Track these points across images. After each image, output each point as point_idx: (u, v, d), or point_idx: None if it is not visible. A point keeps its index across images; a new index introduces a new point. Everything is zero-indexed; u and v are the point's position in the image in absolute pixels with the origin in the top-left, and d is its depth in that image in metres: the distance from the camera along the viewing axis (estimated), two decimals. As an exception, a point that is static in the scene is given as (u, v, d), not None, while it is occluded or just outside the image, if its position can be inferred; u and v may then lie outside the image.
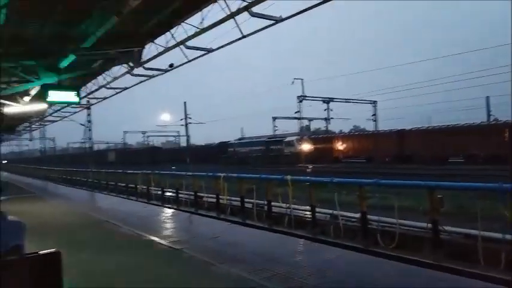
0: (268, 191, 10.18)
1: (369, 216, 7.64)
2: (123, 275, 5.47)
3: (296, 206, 9.76)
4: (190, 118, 43.54)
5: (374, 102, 44.80)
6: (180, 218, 11.14)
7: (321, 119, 46.85)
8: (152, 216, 11.30)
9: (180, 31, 8.97)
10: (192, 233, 8.96)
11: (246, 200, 11.19)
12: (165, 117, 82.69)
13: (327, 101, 43.14)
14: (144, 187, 17.57)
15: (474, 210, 6.06)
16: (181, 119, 44.09)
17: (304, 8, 6.41)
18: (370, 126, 44.58)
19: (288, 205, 9.52)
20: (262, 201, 10.75)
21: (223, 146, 52.83)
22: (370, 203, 7.83)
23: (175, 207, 13.53)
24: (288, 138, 42.78)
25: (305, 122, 48.33)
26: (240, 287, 4.81)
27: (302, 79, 42.08)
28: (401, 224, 7.40)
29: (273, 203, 10.10)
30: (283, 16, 7.08)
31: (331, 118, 44.32)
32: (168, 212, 12.35)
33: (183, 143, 76.35)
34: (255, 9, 7.07)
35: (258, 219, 10.28)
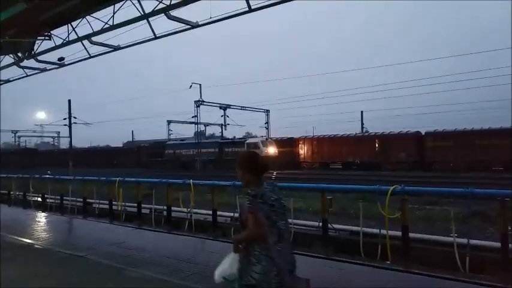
0: (168, 196, 10.02)
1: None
2: (32, 284, 5.03)
3: (197, 210, 9.81)
4: (75, 118, 39.81)
5: (267, 111, 47.17)
6: (70, 225, 10.23)
7: (217, 124, 47.43)
8: (37, 223, 10.14)
9: (86, 25, 8.37)
10: (89, 240, 8.31)
11: (143, 205, 10.84)
12: (42, 115, 73.37)
13: (224, 107, 43.90)
14: (20, 193, 15.59)
15: (356, 210, 6.96)
16: (64, 119, 40.05)
17: (223, 17, 6.60)
18: (262, 134, 46.78)
19: (189, 209, 9.51)
20: (161, 207, 10.52)
21: (158, 147, 45.54)
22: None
23: (59, 214, 12.31)
24: (250, 140, 38.65)
25: (201, 127, 48.28)
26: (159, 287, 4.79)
27: (200, 84, 41.99)
28: (296, 224, 8.05)
29: (173, 208, 9.97)
30: (200, 22, 7.18)
31: (228, 124, 45.20)
32: (53, 218, 11.20)
33: (63, 144, 69.44)
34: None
35: (156, 225, 10.03)
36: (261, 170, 2.54)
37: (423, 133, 31.79)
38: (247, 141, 38.12)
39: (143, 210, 10.81)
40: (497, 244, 5.64)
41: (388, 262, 6.10)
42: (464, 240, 5.86)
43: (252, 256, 2.36)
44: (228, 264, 2.44)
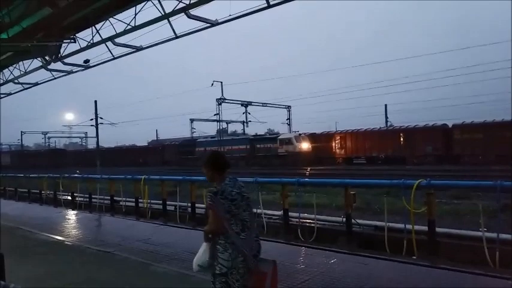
0: (192, 193, 10.15)
1: (290, 213, 8.11)
2: (63, 279, 5.22)
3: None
4: (101, 118, 40.90)
5: (288, 107, 46.99)
6: (98, 223, 10.55)
7: (239, 122, 47.65)
8: (67, 221, 10.51)
9: (109, 27, 8.59)
10: (116, 236, 8.56)
11: (169, 202, 11.03)
12: (70, 116, 75.75)
13: (245, 104, 44.03)
14: (51, 192, 16.16)
15: (380, 205, 6.86)
16: (91, 119, 41.21)
17: (242, 14, 6.62)
18: (284, 130, 46.64)
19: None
20: (185, 204, 10.68)
21: (188, 145, 45.01)
22: (292, 201, 8.30)
23: (88, 212, 12.71)
24: (284, 136, 37.18)
25: (223, 125, 48.65)
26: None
27: (221, 82, 42.27)
28: (319, 220, 8.01)
29: (197, 205, 10.10)
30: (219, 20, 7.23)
31: (250, 121, 45.33)
32: (82, 216, 11.57)
33: (91, 144, 71.38)
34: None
35: (181, 221, 10.18)
36: (223, 168, 2.82)
37: (450, 125, 30.90)
38: (280, 137, 36.68)
39: (168, 208, 10.99)
40: (530, 239, 5.43)
41: (414, 257, 5.98)
42: (493, 235, 5.68)
43: (218, 245, 2.68)
44: (202, 253, 2.75)
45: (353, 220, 7.28)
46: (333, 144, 35.84)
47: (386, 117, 47.96)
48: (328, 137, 36.99)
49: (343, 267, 5.20)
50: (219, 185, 2.73)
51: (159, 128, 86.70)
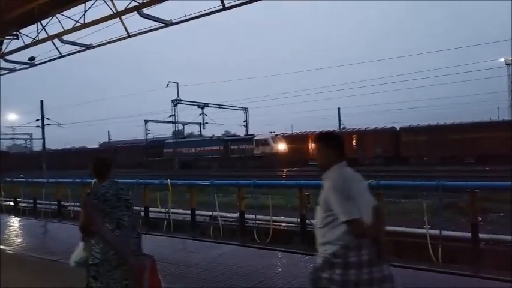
0: (145, 196, 9.89)
1: (246, 215, 8.13)
2: None
3: (175, 210, 9.74)
4: (48, 119, 38.72)
5: (245, 109, 47.17)
6: (44, 230, 9.97)
7: (195, 123, 47.11)
8: (8, 228, 9.82)
9: (56, 24, 8.15)
10: (63, 244, 8.10)
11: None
12: (12, 117, 70.79)
13: (202, 106, 43.63)
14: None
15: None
16: (37, 120, 38.91)
17: (197, 15, 6.54)
18: (241, 132, 46.78)
19: (167, 209, 9.43)
20: (137, 208, 10.39)
21: (155, 146, 42.67)
22: (249, 203, 8.33)
23: (32, 218, 11.97)
24: (260, 136, 35.69)
25: (179, 126, 47.83)
26: None
27: (177, 83, 41.58)
28: (274, 221, 8.11)
29: (150, 209, 9.86)
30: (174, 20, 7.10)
31: (206, 123, 44.94)
32: (26, 223, 10.88)
33: (36, 146, 67.32)
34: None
35: (134, 226, 9.89)
36: (102, 172, 3.19)
37: (398, 128, 32.51)
38: (256, 138, 35.40)
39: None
40: (468, 234, 5.83)
41: (365, 255, 6.21)
42: (437, 232, 6.04)
43: (93, 240, 3.02)
44: (78, 251, 3.13)
45: (307, 220, 7.44)
46: (296, 146, 35.98)
47: (340, 120, 49.60)
48: (291, 139, 37.20)
49: (297, 268, 5.29)
50: (96, 187, 3.14)
51: (111, 129, 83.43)
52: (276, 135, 36.02)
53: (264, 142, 34.15)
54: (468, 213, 6.10)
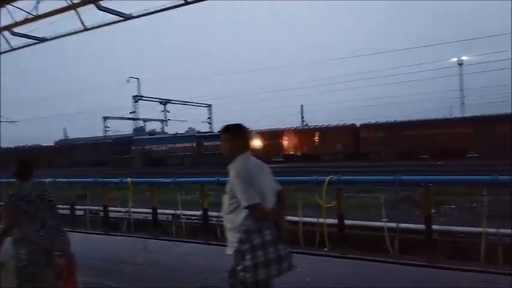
0: (104, 195, 9.57)
1: (209, 213, 8.06)
2: None
3: (136, 209, 9.48)
4: (-1, 116, 36.47)
5: (209, 106, 46.83)
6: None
7: (157, 120, 46.17)
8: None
9: (6, 15, 7.65)
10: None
11: (78, 207, 10.28)
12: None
13: (164, 102, 42.80)
14: None
15: (296, 200, 7.16)
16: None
17: (158, 9, 6.36)
18: (205, 128, 46.35)
19: (127, 209, 9.17)
20: (97, 207, 10.05)
21: (122, 143, 40.84)
22: (212, 201, 8.26)
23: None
24: None
25: (140, 123, 46.69)
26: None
27: (138, 78, 40.56)
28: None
29: (110, 208, 9.55)
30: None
31: (169, 119, 44.17)
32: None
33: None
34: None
35: (92, 227, 9.55)
36: (23, 174, 3.24)
37: (358, 125, 33.48)
38: None
39: (77, 212, 10.24)
40: (423, 226, 6.10)
41: (326, 249, 6.36)
42: (394, 224, 6.28)
43: (18, 242, 3.08)
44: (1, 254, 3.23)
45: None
46: (270, 143, 35.41)
47: (302, 117, 50.42)
48: (265, 135, 36.74)
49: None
50: (19, 188, 3.18)
51: (68, 126, 79.68)
52: (251, 131, 35.67)
53: None
54: (422, 206, 6.38)
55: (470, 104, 46.97)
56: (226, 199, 2.69)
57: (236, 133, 2.82)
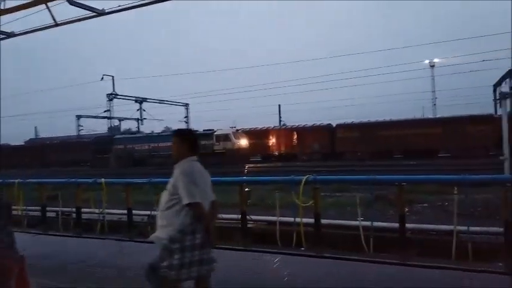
0: (77, 196, 9.30)
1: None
2: None
3: (110, 211, 9.27)
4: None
5: (186, 105, 46.34)
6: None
7: (133, 119, 45.33)
8: None
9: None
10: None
11: (49, 208, 9.97)
12: None
13: (140, 101, 42.05)
14: None
15: (273, 200, 7.19)
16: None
17: (132, 5, 6.22)
18: (182, 127, 45.84)
19: (101, 210, 8.95)
20: (69, 209, 9.77)
21: (102, 142, 39.31)
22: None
23: None
24: (220, 132, 33.63)
25: (115, 122, 45.72)
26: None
27: (113, 76, 39.68)
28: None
29: (83, 210, 9.30)
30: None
31: (145, 118, 43.42)
32: None
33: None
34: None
35: (65, 229, 9.29)
36: None
37: (334, 125, 33.94)
38: (217, 133, 33.37)
39: (48, 214, 9.93)
40: (397, 225, 6.23)
41: (303, 248, 6.41)
42: (368, 223, 6.39)
43: None
44: None
45: (248, 216, 7.49)
46: (256, 142, 35.31)
47: (280, 117, 50.64)
48: (251, 134, 36.19)
49: (236, 264, 5.29)
50: None
51: (38, 125, 77.07)
52: (237, 130, 34.53)
53: (225, 138, 32.58)
54: (396, 205, 6.52)
55: (441, 105, 48.55)
56: (165, 196, 2.84)
57: (185, 138, 3.01)
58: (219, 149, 32.36)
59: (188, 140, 3.00)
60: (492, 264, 5.34)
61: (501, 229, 5.65)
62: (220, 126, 35.20)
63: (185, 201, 2.67)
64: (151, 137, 37.80)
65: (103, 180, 8.91)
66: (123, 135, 40.17)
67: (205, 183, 2.91)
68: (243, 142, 33.03)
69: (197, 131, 37.95)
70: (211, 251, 2.83)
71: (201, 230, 2.72)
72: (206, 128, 35.12)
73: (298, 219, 6.80)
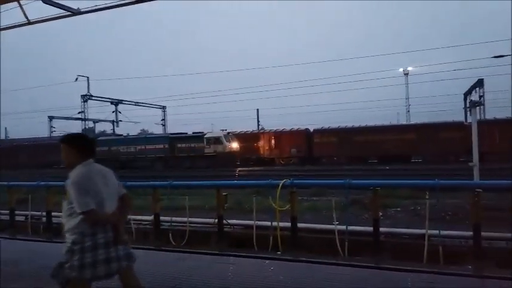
0: (48, 200, 9.01)
1: (162, 218, 7.86)
2: None
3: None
4: None
5: (163, 107, 45.81)
6: None
7: (108, 121, 44.42)
8: None
9: None
10: None
11: (18, 212, 9.64)
12: None
13: (116, 102, 41.26)
14: None
15: (250, 204, 7.18)
16: None
17: (108, 5, 6.10)
18: (159, 131, 45.26)
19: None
20: (39, 213, 9.46)
21: None
22: (166, 204, 8.07)
23: None
24: (211, 134, 32.98)
25: (90, 124, 44.68)
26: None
27: (87, 77, 38.80)
28: (191, 222, 7.96)
29: (54, 213, 9.01)
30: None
31: (120, 121, 42.63)
32: None
33: None
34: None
35: (35, 234, 8.98)
36: None
37: (311, 130, 34.28)
38: (207, 136, 32.67)
39: (18, 218, 9.58)
40: (371, 228, 6.34)
41: (279, 252, 6.42)
42: (343, 227, 6.47)
43: None
44: None
45: (224, 220, 7.44)
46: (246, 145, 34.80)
47: (258, 121, 50.77)
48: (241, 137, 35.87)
49: (211, 269, 5.25)
50: None
51: (9, 126, 74.16)
52: (229, 133, 33.81)
53: (217, 140, 31.86)
54: (371, 209, 6.63)
55: (416, 112, 49.95)
56: (65, 204, 2.89)
57: (74, 143, 2.96)
58: (209, 152, 31.74)
59: (77, 145, 2.95)
60: (462, 267, 5.51)
61: (470, 233, 5.83)
62: (197, 130, 34.95)
63: (78, 210, 2.72)
64: (137, 139, 36.93)
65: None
66: (107, 137, 39.02)
67: (105, 183, 2.91)
68: (235, 145, 32.47)
69: (186, 133, 36.75)
70: (125, 248, 2.88)
71: (104, 230, 2.78)
72: (196, 131, 34.66)
73: (275, 223, 6.81)
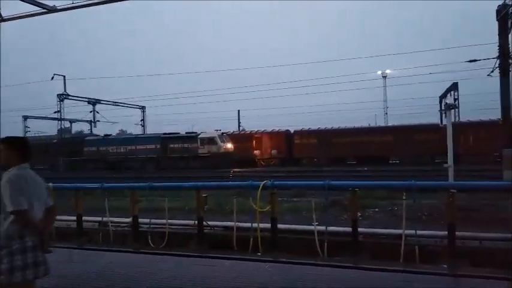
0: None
1: (140, 220, 7.74)
2: None
3: (58, 217, 8.78)
4: None
5: (143, 108, 45.19)
6: None
7: (85, 121, 43.49)
8: None
9: None
10: None
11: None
12: None
13: (93, 102, 40.42)
14: None
15: (231, 206, 7.17)
16: None
17: (85, 3, 5.97)
18: (138, 131, 44.57)
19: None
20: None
21: (72, 143, 36.36)
22: (145, 206, 7.96)
23: None
24: (205, 134, 32.08)
25: (66, 124, 43.64)
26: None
27: (64, 76, 37.85)
28: (170, 224, 7.87)
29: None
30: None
31: (98, 121, 41.77)
32: None
33: None
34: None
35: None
36: None
37: (292, 131, 34.50)
38: (201, 136, 31.88)
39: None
40: (350, 229, 6.42)
41: (259, 254, 6.42)
42: (323, 228, 6.53)
43: None
44: None
45: (204, 222, 7.39)
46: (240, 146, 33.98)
47: (239, 122, 50.77)
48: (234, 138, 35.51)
49: (190, 271, 5.20)
50: None
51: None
52: (223, 133, 33.08)
53: (211, 141, 31.18)
54: (350, 210, 6.72)
55: (392, 114, 51.02)
56: None
57: (13, 145, 2.98)
58: (203, 153, 31.15)
59: (17, 148, 2.98)
60: (437, 266, 5.65)
61: (445, 232, 5.99)
62: (178, 129, 34.54)
63: (9, 208, 2.68)
64: (127, 139, 35.98)
65: (51, 184, 8.42)
66: (96, 137, 37.72)
67: (37, 190, 2.93)
68: (229, 145, 31.90)
69: (179, 133, 35.37)
70: (43, 255, 2.87)
71: (32, 233, 2.77)
72: (189, 131, 34.17)
73: (255, 225, 6.82)
